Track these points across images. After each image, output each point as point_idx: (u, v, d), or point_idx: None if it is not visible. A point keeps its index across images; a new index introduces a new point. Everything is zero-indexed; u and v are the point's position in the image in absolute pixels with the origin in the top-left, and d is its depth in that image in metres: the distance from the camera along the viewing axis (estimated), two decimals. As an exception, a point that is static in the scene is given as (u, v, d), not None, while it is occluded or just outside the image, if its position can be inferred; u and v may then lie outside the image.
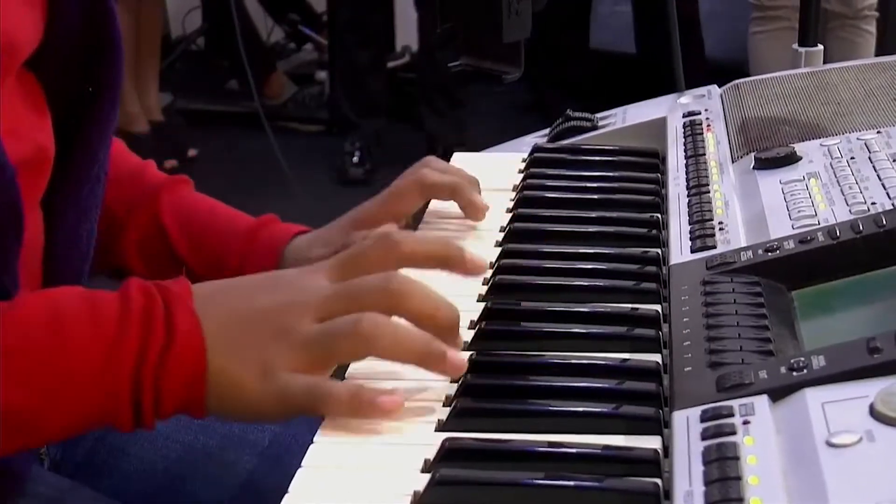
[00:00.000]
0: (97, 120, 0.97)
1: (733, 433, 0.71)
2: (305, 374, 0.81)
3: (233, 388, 0.80)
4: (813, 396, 0.72)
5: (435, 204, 1.18)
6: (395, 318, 0.82)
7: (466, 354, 0.85)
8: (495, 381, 0.85)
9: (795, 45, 1.67)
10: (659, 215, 1.13)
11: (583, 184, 1.22)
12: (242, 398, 0.81)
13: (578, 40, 4.56)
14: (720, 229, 1.03)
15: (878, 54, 3.52)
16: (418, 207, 1.13)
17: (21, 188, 0.86)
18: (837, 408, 0.70)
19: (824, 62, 1.66)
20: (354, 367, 0.87)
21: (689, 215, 1.08)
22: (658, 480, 0.72)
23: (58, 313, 0.80)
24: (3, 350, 0.77)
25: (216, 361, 0.80)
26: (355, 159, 4.08)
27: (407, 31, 4.81)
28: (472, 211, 1.13)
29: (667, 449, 0.76)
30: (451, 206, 1.15)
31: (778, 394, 0.74)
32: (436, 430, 0.80)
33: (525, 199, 1.18)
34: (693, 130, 1.28)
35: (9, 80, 0.87)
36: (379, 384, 0.84)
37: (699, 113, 1.34)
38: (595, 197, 1.19)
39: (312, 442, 0.79)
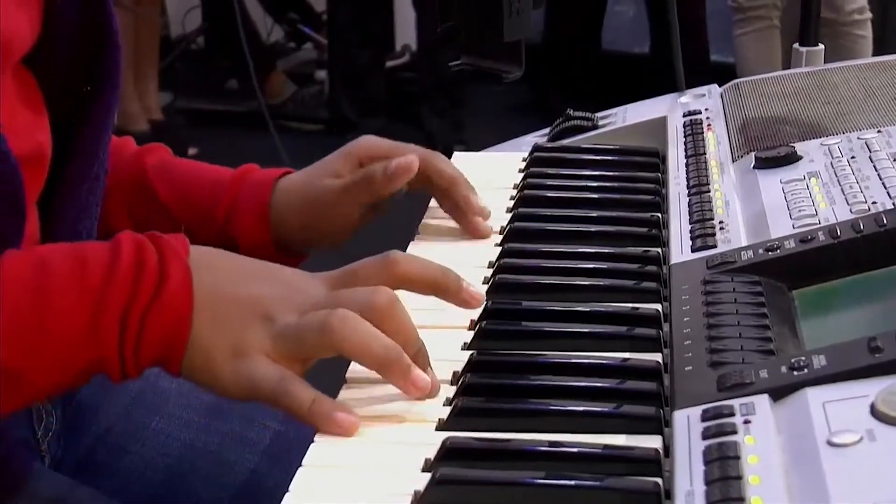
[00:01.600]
0: (96, 119, 0.97)
1: (734, 432, 0.71)
2: (277, 364, 0.81)
3: (205, 355, 0.81)
4: (814, 396, 0.72)
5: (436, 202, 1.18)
6: (370, 325, 0.82)
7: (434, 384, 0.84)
8: (496, 381, 0.85)
9: (796, 45, 1.67)
10: (659, 215, 1.13)
11: (583, 183, 1.22)
12: (211, 369, 0.81)
13: (590, 42, 4.56)
14: (721, 229, 1.03)
15: (877, 54, 3.52)
16: (413, 174, 1.10)
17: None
18: (838, 407, 0.70)
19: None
20: (354, 369, 0.87)
21: (689, 215, 1.08)
22: (659, 480, 0.72)
23: (44, 267, 0.80)
24: None
25: (198, 328, 0.81)
26: None
27: (406, 30, 4.81)
28: (469, 208, 1.12)
29: (667, 448, 0.76)
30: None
31: (779, 393, 0.74)
32: (436, 430, 0.80)
33: (525, 199, 1.18)
34: (693, 130, 1.28)
35: (5, 78, 0.87)
36: (376, 387, 0.84)
37: (699, 112, 1.34)
38: (595, 196, 1.19)
39: (313, 441, 0.79)
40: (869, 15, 3.58)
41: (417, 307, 0.87)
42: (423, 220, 1.14)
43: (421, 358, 0.84)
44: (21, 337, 0.79)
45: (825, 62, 1.69)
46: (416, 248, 1.10)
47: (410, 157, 1.06)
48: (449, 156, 1.30)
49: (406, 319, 0.83)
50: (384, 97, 4.32)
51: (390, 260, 0.87)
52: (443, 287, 0.88)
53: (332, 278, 0.87)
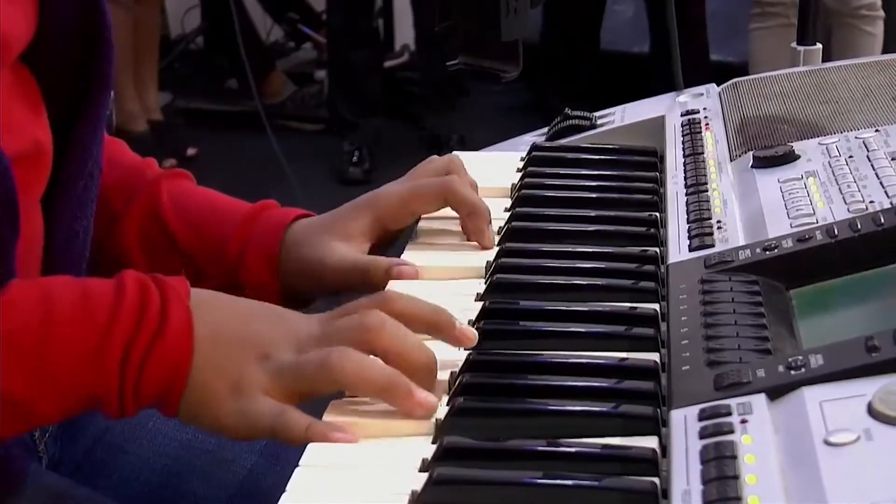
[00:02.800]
0: (90, 115, 0.97)
1: (731, 432, 0.71)
2: (275, 400, 0.82)
3: (205, 395, 0.82)
4: (811, 395, 0.72)
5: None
6: (367, 355, 0.82)
7: (434, 402, 0.83)
8: (493, 381, 0.85)
9: (794, 44, 1.67)
10: (657, 214, 1.13)
11: (581, 182, 1.22)
12: (211, 408, 0.83)
13: (589, 41, 4.56)
14: (718, 228, 1.03)
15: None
16: (432, 212, 1.12)
17: (19, 184, 0.86)
18: (835, 406, 0.70)
19: (826, 58, 1.66)
20: None
21: (687, 214, 1.08)
22: (656, 479, 0.72)
23: (50, 299, 0.82)
24: None
25: (198, 365, 0.82)
26: (354, 159, 4.08)
27: (406, 30, 4.81)
28: (480, 239, 1.10)
29: (665, 448, 0.76)
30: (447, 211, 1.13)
31: (776, 392, 0.74)
32: (434, 429, 0.80)
33: (523, 198, 1.18)
34: (691, 129, 1.28)
35: (3, 75, 0.87)
36: (369, 403, 0.84)
37: (697, 112, 1.34)
38: (593, 196, 1.19)
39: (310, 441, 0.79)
40: (880, 13, 3.56)
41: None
42: (419, 223, 1.14)
43: (422, 374, 0.84)
44: (24, 367, 0.80)
45: (832, 52, 1.69)
46: (413, 250, 1.10)
47: (413, 271, 1.04)
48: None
49: (399, 336, 0.84)
50: (381, 97, 4.31)
51: (384, 299, 0.88)
52: (436, 326, 0.88)
53: (328, 318, 0.87)
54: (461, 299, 0.98)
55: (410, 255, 1.08)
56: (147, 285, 0.84)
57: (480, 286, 1.01)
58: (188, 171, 1.18)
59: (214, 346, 0.83)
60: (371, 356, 0.83)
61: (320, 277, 1.07)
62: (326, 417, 0.82)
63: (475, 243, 1.10)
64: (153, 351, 0.81)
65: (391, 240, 1.12)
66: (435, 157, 1.16)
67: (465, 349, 0.88)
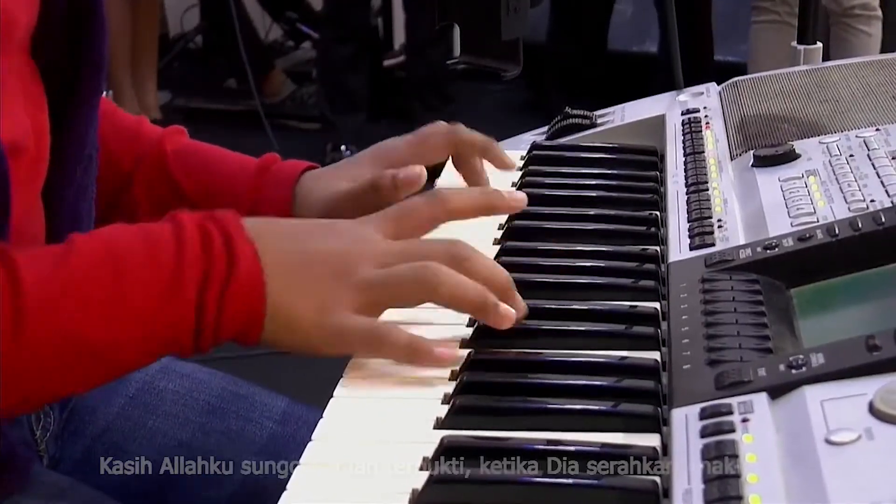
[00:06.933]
0: (85, 99, 0.97)
1: (732, 431, 0.71)
2: (361, 315, 0.84)
3: (290, 321, 0.84)
4: (812, 394, 0.72)
5: (442, 181, 1.18)
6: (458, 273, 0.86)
7: (523, 309, 0.89)
8: (494, 379, 0.85)
9: (794, 43, 1.67)
10: (658, 213, 1.13)
11: (581, 181, 1.22)
12: (299, 332, 0.84)
13: (596, 41, 4.55)
14: (719, 227, 1.03)
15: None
16: (442, 159, 1.13)
17: (20, 172, 0.86)
18: (836, 405, 0.70)
19: (825, 58, 1.66)
20: (352, 365, 0.87)
21: (687, 213, 1.08)
22: (657, 478, 0.72)
23: (114, 245, 0.83)
24: (72, 294, 0.79)
25: (275, 295, 0.83)
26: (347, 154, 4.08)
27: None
28: (502, 165, 1.15)
29: (665, 447, 0.76)
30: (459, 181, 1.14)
31: (777, 391, 0.74)
32: (434, 428, 0.80)
33: (523, 197, 1.18)
34: (692, 128, 1.28)
35: (7, 61, 0.87)
36: (374, 385, 0.85)
37: (698, 111, 1.34)
38: (594, 194, 1.19)
39: (311, 440, 0.79)
40: (877, 13, 3.56)
41: (416, 307, 0.88)
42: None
43: (507, 294, 0.88)
44: (103, 314, 0.80)
45: (828, 51, 1.69)
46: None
47: (418, 169, 1.05)
48: None
49: (487, 264, 0.88)
50: (365, 95, 4.29)
51: (440, 198, 0.92)
52: (492, 205, 0.95)
53: (387, 222, 0.90)
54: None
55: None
56: (206, 226, 0.84)
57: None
58: (182, 127, 1.18)
59: (287, 270, 0.84)
60: (464, 277, 0.86)
61: (336, 214, 1.08)
62: (346, 379, 0.85)
63: (475, 241, 1.09)
64: (228, 291, 0.82)
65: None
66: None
67: (465, 350, 0.88)
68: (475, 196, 0.95)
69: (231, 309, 0.82)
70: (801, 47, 1.66)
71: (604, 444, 0.76)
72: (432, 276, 0.85)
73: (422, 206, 0.91)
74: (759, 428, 0.71)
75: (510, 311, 0.87)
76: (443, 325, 0.92)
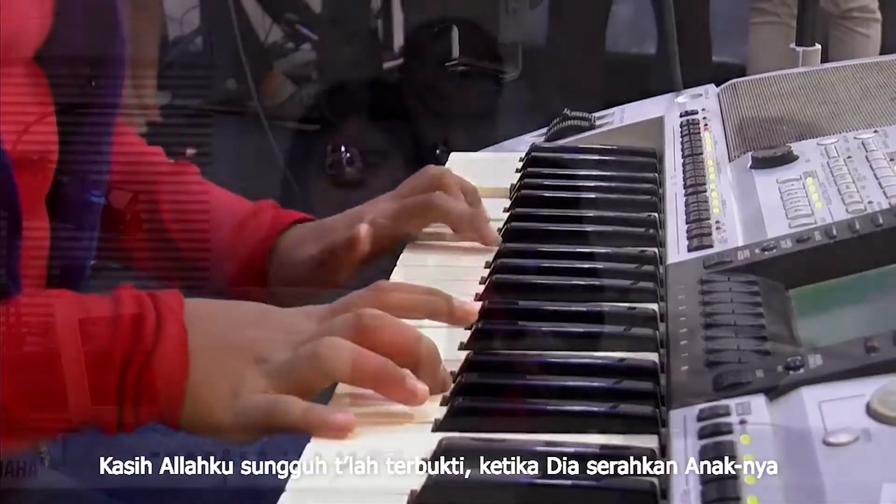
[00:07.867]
0: (101, 116, 0.97)
1: (730, 432, 0.71)
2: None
3: (205, 406, 0.84)
4: (810, 395, 0.72)
5: None
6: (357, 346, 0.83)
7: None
8: (492, 381, 0.85)
9: (793, 45, 1.67)
10: (656, 214, 1.13)
11: (580, 183, 1.22)
12: (211, 417, 0.84)
13: (595, 43, 4.55)
14: (717, 228, 1.03)
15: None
16: (425, 227, 1.12)
17: (25, 185, 0.86)
18: (834, 407, 0.70)
19: (823, 59, 1.66)
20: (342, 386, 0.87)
21: (686, 214, 1.08)
22: (655, 480, 0.72)
23: (51, 325, 0.83)
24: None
25: (195, 376, 0.83)
26: (340, 159, 4.07)
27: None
28: (482, 240, 1.10)
29: (664, 448, 0.76)
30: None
31: (775, 393, 0.74)
32: (433, 430, 0.80)
33: (522, 199, 1.18)
34: (690, 130, 1.28)
35: (14, 72, 0.87)
36: (368, 402, 0.84)
37: (696, 112, 1.34)
38: (592, 196, 1.19)
39: (310, 440, 0.79)
40: (876, 15, 3.56)
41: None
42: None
43: (426, 365, 0.84)
44: (25, 386, 0.81)
45: (827, 53, 1.70)
46: (413, 251, 1.10)
47: (368, 229, 1.05)
48: (432, 155, 1.29)
49: (395, 329, 0.84)
50: (364, 97, 4.28)
51: (379, 290, 0.89)
52: (433, 312, 0.89)
53: (323, 313, 0.88)
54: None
55: (410, 256, 1.08)
56: (143, 302, 0.84)
57: (480, 286, 1.01)
58: (193, 165, 1.19)
59: (211, 356, 0.84)
60: (361, 349, 0.82)
61: (310, 280, 1.08)
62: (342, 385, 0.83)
63: (472, 244, 1.10)
64: (150, 367, 0.82)
65: (381, 254, 1.12)
66: (427, 168, 1.15)
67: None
68: (417, 298, 0.90)
69: (152, 384, 0.83)
70: (800, 49, 1.66)
71: (602, 446, 0.76)
72: (327, 354, 0.81)
73: (360, 301, 0.88)
74: (757, 429, 0.71)
75: (417, 388, 0.82)
76: (443, 327, 0.92)
